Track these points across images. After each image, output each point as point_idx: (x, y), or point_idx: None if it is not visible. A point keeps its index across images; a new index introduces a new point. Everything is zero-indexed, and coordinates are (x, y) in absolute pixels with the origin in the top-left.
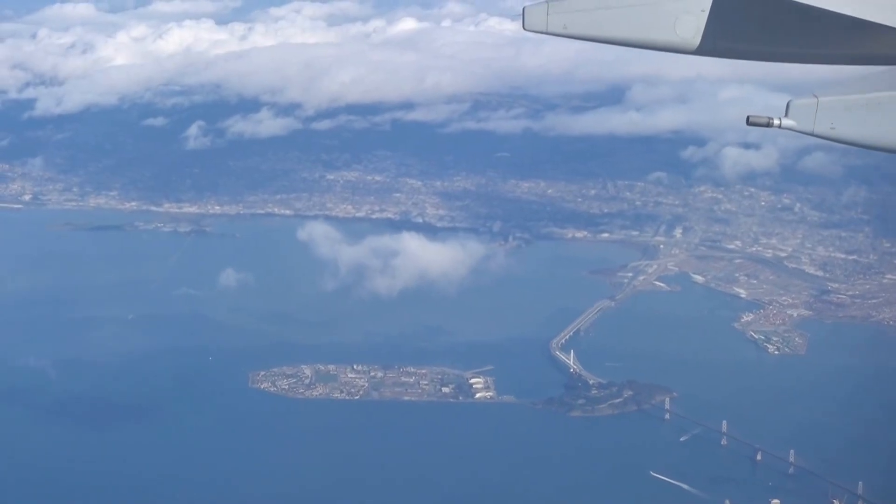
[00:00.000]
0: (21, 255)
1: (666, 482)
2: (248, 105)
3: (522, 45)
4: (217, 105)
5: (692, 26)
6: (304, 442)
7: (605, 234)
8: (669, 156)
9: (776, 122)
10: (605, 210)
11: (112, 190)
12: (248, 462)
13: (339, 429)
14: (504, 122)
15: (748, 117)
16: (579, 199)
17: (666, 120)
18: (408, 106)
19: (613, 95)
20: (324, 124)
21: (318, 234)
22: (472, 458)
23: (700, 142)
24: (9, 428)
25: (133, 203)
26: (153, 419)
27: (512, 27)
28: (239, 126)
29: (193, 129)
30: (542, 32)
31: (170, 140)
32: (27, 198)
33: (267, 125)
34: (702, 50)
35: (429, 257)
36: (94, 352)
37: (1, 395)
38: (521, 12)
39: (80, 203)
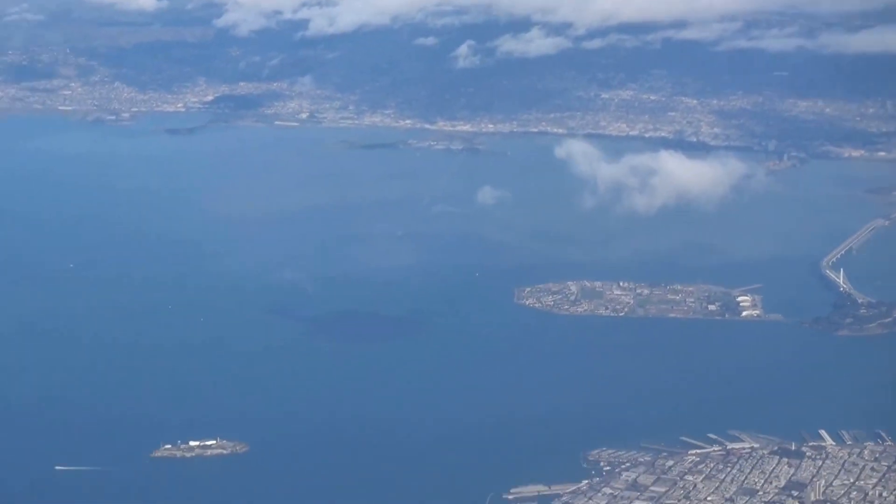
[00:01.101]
0: (297, 173)
1: None
2: (519, 24)
3: None
4: (487, 24)
5: None
6: (569, 356)
7: (882, 153)
8: None
9: None
10: (884, 129)
11: (387, 108)
12: (511, 376)
13: (605, 345)
14: (777, 41)
15: None
16: (857, 118)
17: None
18: (679, 24)
19: (892, 14)
20: (595, 43)
21: (585, 152)
22: (739, 376)
23: None
24: (281, 341)
25: (407, 121)
26: (420, 334)
27: None
28: (509, 45)
29: (463, 49)
30: None
31: (441, 59)
32: (304, 116)
33: (537, 44)
34: None
35: (698, 176)
36: (364, 268)
37: (273, 309)
38: None
39: (356, 121)
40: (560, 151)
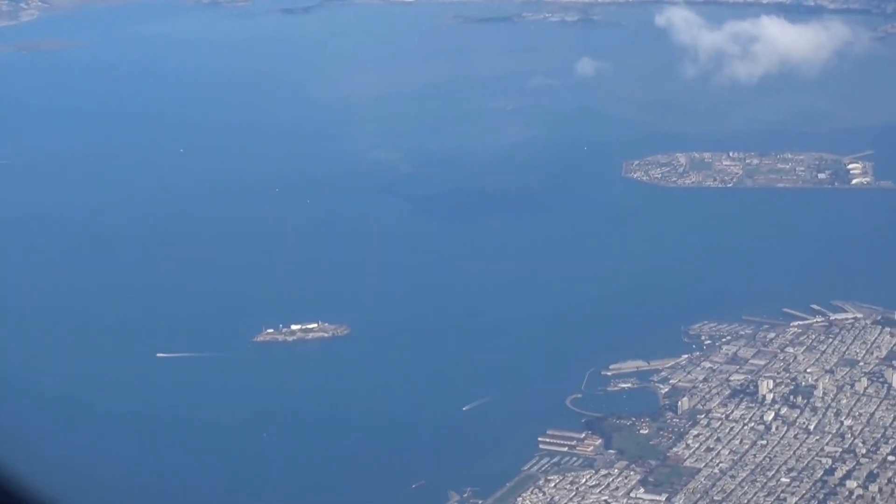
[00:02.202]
0: (410, 50)
1: None
2: None
3: None
4: None
5: None
6: (674, 230)
7: None
8: None
9: None
10: None
11: None
12: (616, 251)
13: (711, 216)
14: None
15: None
16: None
17: None
18: None
19: None
20: None
21: (687, 19)
22: (845, 245)
23: None
24: (386, 222)
25: None
26: (526, 211)
27: None
28: None
29: None
30: None
31: None
32: None
33: None
34: None
35: (800, 42)
36: (473, 144)
37: (381, 189)
38: None
39: None
40: (661, 20)
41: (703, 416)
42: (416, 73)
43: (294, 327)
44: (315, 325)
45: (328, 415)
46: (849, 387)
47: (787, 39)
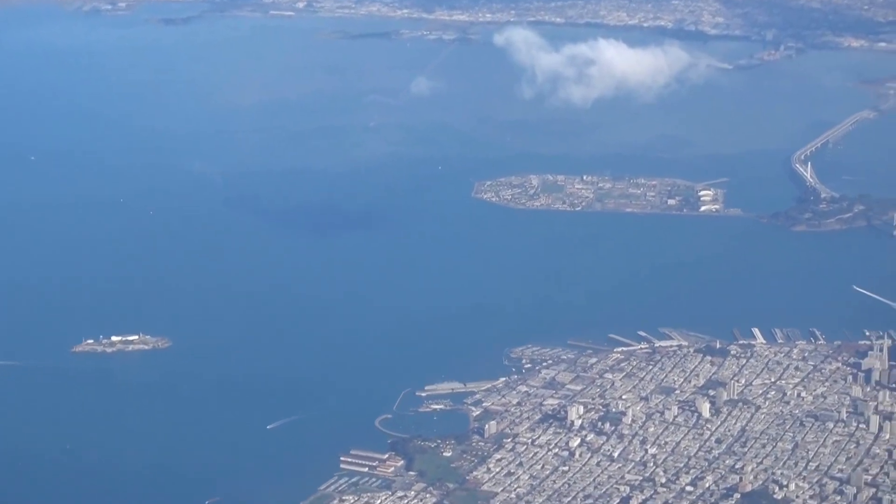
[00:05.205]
0: (283, 64)
1: (869, 297)
2: None
3: None
4: None
5: None
6: (514, 251)
7: (884, 44)
8: None
9: None
10: (891, 17)
11: None
12: (455, 271)
13: (553, 240)
14: None
15: None
16: (865, 6)
17: None
18: None
19: None
20: None
21: (527, 40)
22: (681, 272)
23: None
24: (238, 232)
25: (405, 10)
26: (376, 227)
27: None
28: None
29: None
30: None
31: None
32: (301, 5)
33: None
34: None
35: (637, 66)
36: (330, 159)
37: (230, 202)
38: None
39: (352, 10)
40: (500, 39)
41: (509, 440)
42: (286, 86)
43: (115, 339)
44: (136, 337)
45: (132, 430)
46: (659, 415)
47: (622, 63)
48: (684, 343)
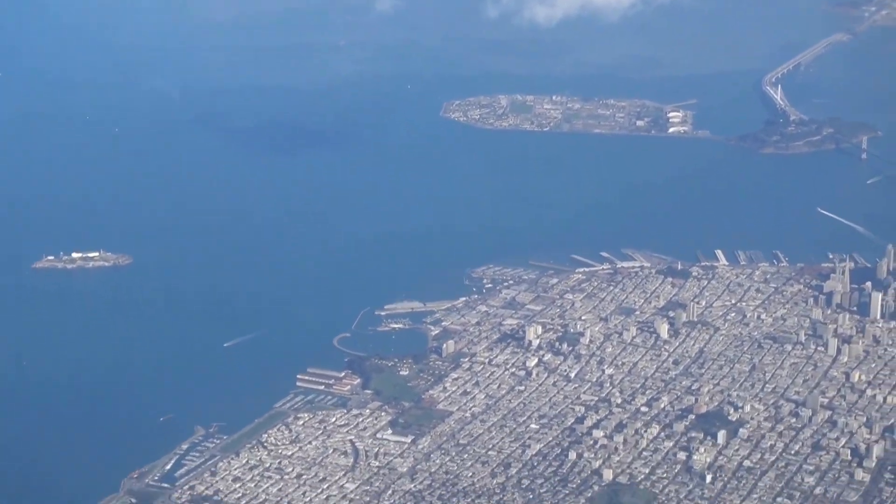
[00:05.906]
0: None
1: (835, 220)
2: None
3: None
4: None
5: None
6: (480, 172)
7: None
8: None
9: None
10: None
11: None
12: (420, 191)
13: (518, 160)
14: None
15: None
16: None
17: None
18: None
19: None
20: None
21: None
22: (647, 193)
23: None
24: (201, 150)
25: None
26: (342, 146)
27: None
28: None
29: None
30: None
31: None
32: None
33: None
34: None
35: None
36: (299, 77)
37: (197, 120)
38: None
39: None
40: None
41: (466, 359)
42: (257, 1)
43: (75, 255)
44: (97, 254)
45: (89, 347)
46: (617, 336)
47: None
48: (646, 264)
